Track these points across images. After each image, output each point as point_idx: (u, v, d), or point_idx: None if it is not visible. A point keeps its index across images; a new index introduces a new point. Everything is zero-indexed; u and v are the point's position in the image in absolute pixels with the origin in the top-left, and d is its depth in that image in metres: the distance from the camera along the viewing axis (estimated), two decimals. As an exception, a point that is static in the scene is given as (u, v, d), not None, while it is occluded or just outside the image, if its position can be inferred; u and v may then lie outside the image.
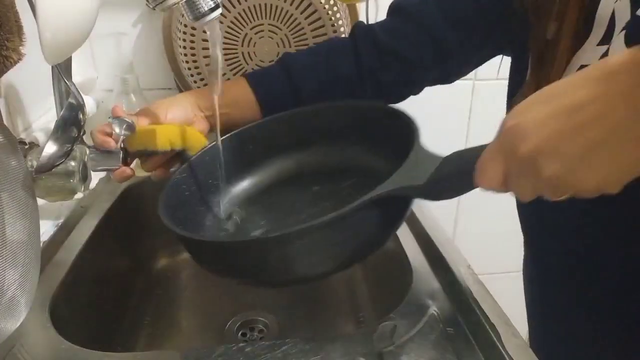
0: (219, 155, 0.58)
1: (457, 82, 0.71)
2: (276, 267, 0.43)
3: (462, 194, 0.42)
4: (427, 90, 0.70)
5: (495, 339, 0.47)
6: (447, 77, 0.65)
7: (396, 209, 0.46)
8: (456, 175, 0.40)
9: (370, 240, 0.46)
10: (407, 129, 0.49)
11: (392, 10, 0.65)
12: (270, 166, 0.63)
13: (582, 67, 0.43)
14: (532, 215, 0.59)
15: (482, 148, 0.35)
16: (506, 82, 0.58)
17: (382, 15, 0.91)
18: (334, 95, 0.62)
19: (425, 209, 0.72)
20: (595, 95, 0.29)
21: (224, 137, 0.60)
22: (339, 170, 0.58)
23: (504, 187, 0.34)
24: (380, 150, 0.55)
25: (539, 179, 0.30)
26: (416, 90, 0.66)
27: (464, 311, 0.51)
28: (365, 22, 0.88)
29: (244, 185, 0.63)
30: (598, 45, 0.43)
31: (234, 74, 0.82)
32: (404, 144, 0.46)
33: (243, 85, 0.63)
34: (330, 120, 0.59)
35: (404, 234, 0.66)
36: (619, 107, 0.28)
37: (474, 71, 0.68)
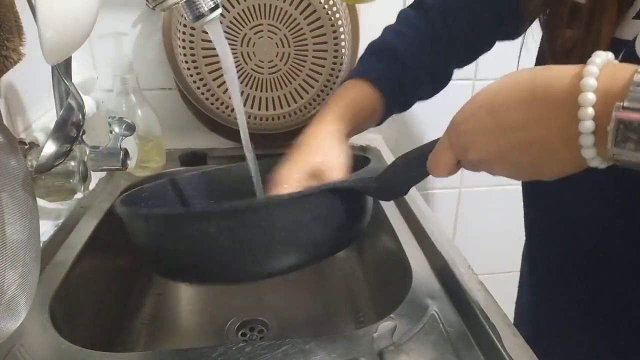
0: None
1: (457, 82, 0.71)
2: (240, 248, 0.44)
3: (414, 184, 0.46)
4: (427, 90, 0.70)
5: (495, 339, 0.47)
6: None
7: (353, 204, 0.49)
8: (408, 166, 0.45)
9: (328, 233, 0.47)
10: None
11: None
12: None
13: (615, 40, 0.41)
14: (535, 222, 0.59)
15: (429, 145, 0.42)
16: None
17: (383, 16, 0.91)
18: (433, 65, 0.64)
19: (426, 209, 0.72)
20: (535, 121, 0.33)
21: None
22: None
23: (450, 174, 0.40)
24: None
25: (477, 170, 0.39)
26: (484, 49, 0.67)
27: (464, 311, 0.51)
28: (376, 21, 0.89)
29: None
30: (634, 18, 0.41)
31: (234, 74, 0.82)
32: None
33: (363, 87, 0.61)
34: None
35: (404, 234, 0.66)
36: (554, 139, 0.32)
37: (474, 71, 0.68)
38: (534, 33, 0.52)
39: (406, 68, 0.63)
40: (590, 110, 0.30)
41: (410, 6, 0.68)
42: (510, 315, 0.51)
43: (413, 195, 0.77)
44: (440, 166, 0.41)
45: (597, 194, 0.47)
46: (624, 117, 0.30)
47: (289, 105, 0.85)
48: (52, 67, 0.61)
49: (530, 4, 0.49)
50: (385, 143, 0.93)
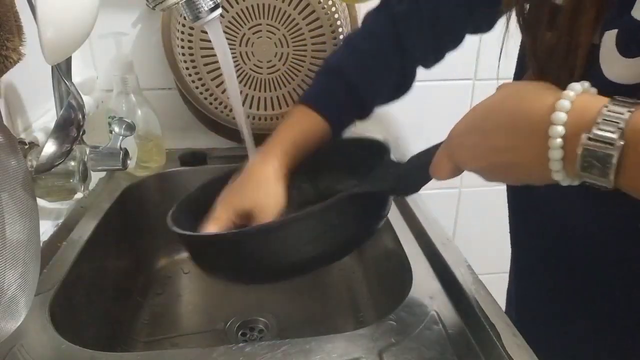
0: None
1: (457, 82, 0.71)
2: (272, 254, 0.49)
3: (423, 184, 0.51)
4: (427, 90, 0.70)
5: (495, 339, 0.47)
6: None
7: (374, 206, 0.54)
8: (416, 171, 0.50)
9: (353, 233, 0.53)
10: (379, 151, 0.58)
11: None
12: None
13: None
14: (520, 226, 0.60)
15: (430, 150, 0.48)
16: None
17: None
18: (385, 82, 0.66)
19: (426, 209, 0.72)
20: (516, 146, 0.38)
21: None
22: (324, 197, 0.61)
23: (452, 177, 0.46)
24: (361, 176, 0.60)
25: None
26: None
27: (464, 311, 0.51)
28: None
29: None
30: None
31: (234, 74, 0.82)
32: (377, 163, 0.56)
33: (310, 115, 0.63)
34: (315, 161, 0.63)
35: (404, 234, 0.66)
36: (531, 162, 0.37)
37: (474, 71, 0.68)
38: (515, 37, 0.52)
39: (353, 87, 0.64)
40: (559, 141, 0.35)
41: (376, 7, 0.67)
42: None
43: (413, 195, 0.77)
44: (441, 172, 0.46)
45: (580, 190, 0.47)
46: (590, 146, 0.33)
47: (287, 105, 0.85)
48: (52, 67, 0.61)
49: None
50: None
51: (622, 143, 0.32)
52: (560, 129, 0.34)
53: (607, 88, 0.38)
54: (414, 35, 0.64)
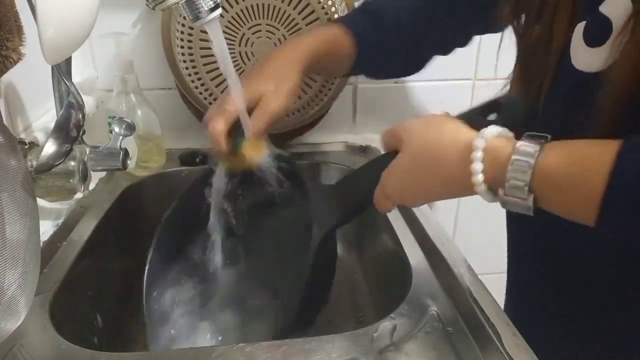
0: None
1: (457, 82, 0.71)
2: None
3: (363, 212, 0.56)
4: (427, 90, 0.70)
5: (495, 339, 0.47)
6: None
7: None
8: (359, 206, 0.56)
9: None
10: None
11: None
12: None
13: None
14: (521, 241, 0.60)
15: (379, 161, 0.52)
16: (505, 82, 0.58)
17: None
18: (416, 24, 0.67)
19: (426, 209, 0.72)
20: (448, 190, 0.45)
21: None
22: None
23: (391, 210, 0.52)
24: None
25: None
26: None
27: (464, 311, 0.51)
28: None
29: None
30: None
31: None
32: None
33: (339, 30, 0.65)
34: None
35: (404, 234, 0.66)
36: (455, 194, 0.44)
37: (474, 71, 0.68)
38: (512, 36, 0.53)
39: (386, 35, 0.65)
40: (484, 187, 0.40)
41: None
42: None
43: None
44: (385, 209, 0.52)
45: None
46: (507, 200, 0.38)
47: (288, 105, 0.85)
48: (52, 67, 0.61)
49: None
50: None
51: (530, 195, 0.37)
52: (480, 178, 0.39)
53: (576, 77, 0.41)
54: (438, 14, 0.66)
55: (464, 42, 0.70)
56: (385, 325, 0.49)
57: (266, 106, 0.59)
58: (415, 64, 0.71)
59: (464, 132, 0.42)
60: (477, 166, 0.39)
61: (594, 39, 0.40)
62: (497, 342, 0.47)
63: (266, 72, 0.61)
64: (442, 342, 0.48)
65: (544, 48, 0.46)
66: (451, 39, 0.69)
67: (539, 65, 0.46)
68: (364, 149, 0.92)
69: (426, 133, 0.45)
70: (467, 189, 0.41)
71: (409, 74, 0.71)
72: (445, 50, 0.70)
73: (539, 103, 0.47)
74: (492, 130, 0.40)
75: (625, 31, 0.37)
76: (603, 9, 0.40)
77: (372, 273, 0.78)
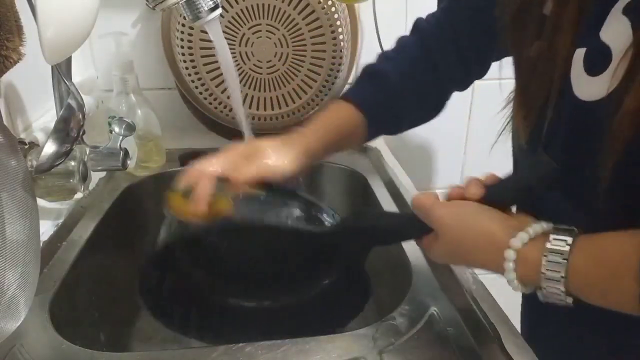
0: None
1: (457, 82, 0.70)
2: None
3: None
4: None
5: (495, 339, 0.47)
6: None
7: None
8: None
9: None
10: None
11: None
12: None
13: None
14: None
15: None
16: (506, 82, 0.58)
17: (382, 16, 0.91)
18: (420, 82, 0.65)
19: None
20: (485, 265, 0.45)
21: None
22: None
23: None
24: None
25: None
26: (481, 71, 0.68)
27: (464, 311, 0.51)
28: (374, 21, 0.88)
29: None
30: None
31: (234, 74, 0.82)
32: None
33: (346, 106, 0.63)
34: None
35: (403, 234, 0.66)
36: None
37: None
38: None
39: (394, 94, 0.64)
40: (514, 277, 0.41)
41: (411, 32, 0.68)
42: (511, 316, 0.51)
43: (413, 195, 0.77)
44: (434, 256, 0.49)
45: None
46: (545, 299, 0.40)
47: (287, 105, 0.85)
48: (52, 67, 0.61)
49: (506, 10, 0.49)
50: (385, 144, 0.93)
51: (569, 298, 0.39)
52: (513, 275, 0.41)
53: (576, 105, 0.41)
54: (445, 57, 0.64)
55: (479, 72, 0.67)
56: (385, 325, 0.49)
57: (264, 163, 0.55)
58: (434, 108, 0.69)
59: (497, 235, 0.43)
60: (511, 275, 0.41)
61: (594, 67, 0.40)
62: (497, 342, 0.47)
63: (263, 151, 0.57)
64: (442, 342, 0.48)
65: (543, 70, 0.45)
66: (464, 74, 0.67)
67: (539, 90, 0.46)
68: (364, 149, 0.92)
69: (459, 234, 0.45)
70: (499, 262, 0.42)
71: (432, 118, 0.69)
72: (463, 86, 0.69)
73: (542, 131, 0.46)
74: (523, 238, 0.41)
75: (625, 58, 0.36)
76: (603, 35, 0.39)
77: (372, 273, 0.78)
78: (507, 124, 0.52)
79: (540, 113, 0.46)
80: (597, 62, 0.39)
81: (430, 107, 0.68)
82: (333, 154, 0.62)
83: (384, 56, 0.67)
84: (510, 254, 0.41)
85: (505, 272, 0.41)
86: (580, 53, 0.41)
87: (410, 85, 0.64)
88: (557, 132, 0.45)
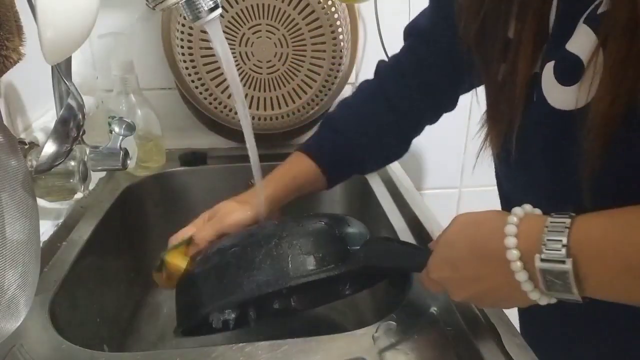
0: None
1: (457, 82, 0.70)
2: None
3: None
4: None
5: (495, 339, 0.47)
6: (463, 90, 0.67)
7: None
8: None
9: None
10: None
11: (406, 33, 0.67)
12: None
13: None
14: None
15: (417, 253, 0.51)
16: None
17: (383, 16, 0.91)
18: (376, 136, 0.67)
19: (426, 209, 0.72)
20: (484, 276, 0.41)
21: None
22: None
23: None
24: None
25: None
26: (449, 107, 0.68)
27: (464, 311, 0.52)
28: (376, 21, 0.88)
29: None
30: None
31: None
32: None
33: (304, 159, 0.66)
34: None
35: (404, 234, 0.67)
36: (504, 288, 0.40)
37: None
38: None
39: (353, 141, 0.66)
40: (519, 264, 0.38)
41: (374, 75, 0.69)
42: (511, 316, 0.51)
43: (413, 195, 0.77)
44: (435, 290, 0.49)
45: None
46: (545, 267, 0.36)
47: (287, 105, 0.85)
48: (52, 67, 0.61)
49: (468, 33, 0.50)
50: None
51: (569, 259, 0.35)
52: (515, 253, 0.38)
53: (551, 115, 0.41)
54: (404, 97, 0.65)
55: (449, 105, 0.68)
56: (385, 325, 0.49)
57: (221, 221, 0.59)
58: (401, 146, 0.70)
59: (491, 220, 0.42)
60: (510, 228, 0.39)
61: (566, 77, 0.40)
62: (497, 342, 0.47)
63: (225, 212, 0.61)
64: (442, 342, 0.48)
65: (510, 87, 0.46)
66: (432, 108, 0.68)
67: (507, 104, 0.46)
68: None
69: (458, 220, 0.45)
70: (501, 259, 0.40)
71: (404, 153, 0.71)
72: (434, 119, 0.69)
73: (511, 143, 0.46)
74: (517, 212, 0.40)
75: (595, 66, 0.37)
76: (570, 47, 0.40)
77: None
78: (483, 146, 0.52)
79: (510, 124, 0.46)
80: (569, 72, 0.40)
81: (396, 146, 0.70)
82: (295, 198, 0.66)
83: (342, 103, 0.70)
84: (510, 229, 0.38)
85: (506, 252, 0.38)
86: (550, 66, 0.42)
87: (369, 129, 0.66)
88: (531, 143, 0.45)
